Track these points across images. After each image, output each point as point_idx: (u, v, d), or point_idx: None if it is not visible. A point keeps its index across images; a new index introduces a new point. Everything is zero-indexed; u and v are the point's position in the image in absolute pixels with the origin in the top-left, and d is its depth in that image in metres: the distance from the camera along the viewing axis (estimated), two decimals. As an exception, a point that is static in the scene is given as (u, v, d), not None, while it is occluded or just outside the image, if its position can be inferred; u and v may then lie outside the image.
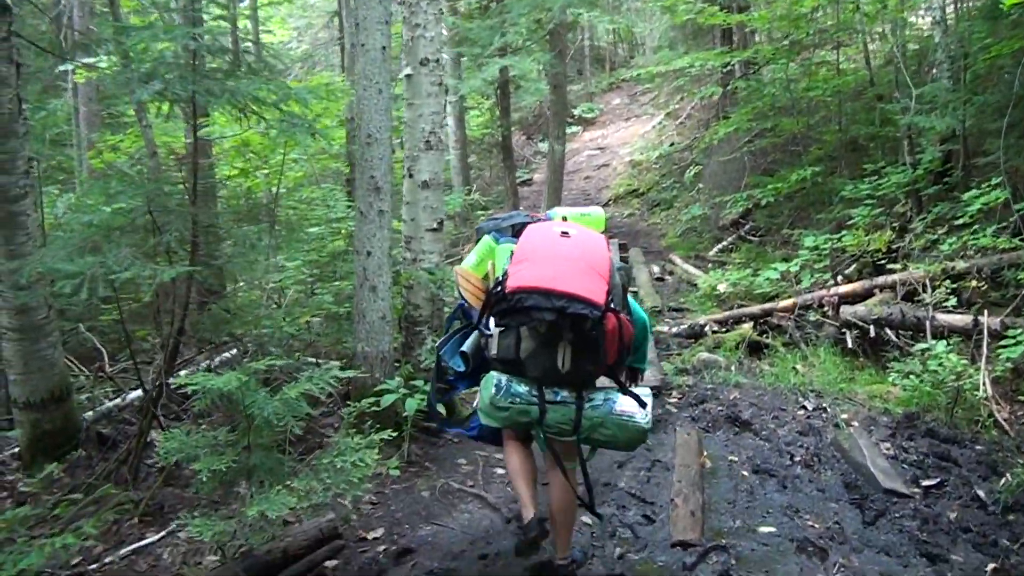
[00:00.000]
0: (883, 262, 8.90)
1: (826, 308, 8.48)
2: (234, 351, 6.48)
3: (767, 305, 9.09)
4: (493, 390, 3.42)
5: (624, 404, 3.43)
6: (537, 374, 3.38)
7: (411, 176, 6.24)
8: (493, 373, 3.49)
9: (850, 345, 7.82)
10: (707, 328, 9.22)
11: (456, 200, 16.62)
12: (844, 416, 6.39)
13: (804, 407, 6.64)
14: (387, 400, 5.25)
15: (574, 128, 27.90)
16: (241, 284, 8.20)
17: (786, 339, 8.80)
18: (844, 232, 9.48)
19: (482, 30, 15.53)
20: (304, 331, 6.55)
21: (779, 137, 13.39)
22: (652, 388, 7.00)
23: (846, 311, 7.86)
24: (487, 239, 3.91)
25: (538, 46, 17.20)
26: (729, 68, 16.68)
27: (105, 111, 11.82)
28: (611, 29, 33.21)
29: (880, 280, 8.20)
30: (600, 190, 23.28)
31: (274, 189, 10.23)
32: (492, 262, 3.88)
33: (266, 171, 10.44)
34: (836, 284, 9.07)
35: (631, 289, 11.70)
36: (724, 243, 14.82)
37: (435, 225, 6.27)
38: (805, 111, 12.89)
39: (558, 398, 3.41)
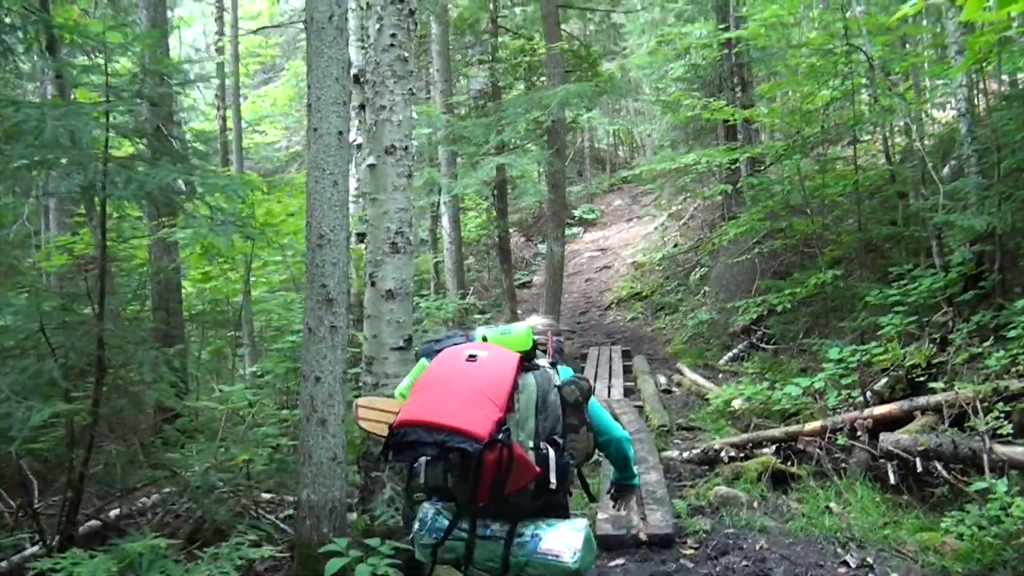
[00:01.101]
0: (921, 379, 7.87)
1: (859, 433, 7.42)
2: (161, 493, 5.41)
3: (791, 428, 8.02)
4: (416, 525, 3.23)
5: (551, 541, 3.12)
6: (462, 503, 3.17)
7: (373, 284, 5.28)
8: (425, 505, 3.28)
9: (892, 481, 6.72)
10: (723, 454, 8.15)
11: (449, 305, 15.70)
12: None
13: (846, 563, 5.52)
14: (332, 568, 4.17)
15: (575, 230, 27.32)
16: (206, 401, 7.25)
17: (813, 466, 7.73)
18: (873, 344, 8.47)
19: (477, 128, 14.89)
20: (240, 473, 5.48)
21: (792, 238, 12.53)
22: (663, 535, 5.97)
23: (887, 440, 6.76)
24: (423, 361, 3.57)
25: (536, 145, 16.57)
26: (735, 166, 16.04)
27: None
28: (611, 131, 33.09)
29: (921, 401, 7.15)
30: (602, 293, 22.49)
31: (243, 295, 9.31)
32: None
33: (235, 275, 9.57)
34: (868, 404, 8.02)
35: (634, 404, 10.76)
36: (735, 351, 13.84)
37: (401, 343, 5.28)
38: (819, 210, 12.07)
39: (487, 532, 3.16)
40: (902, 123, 11.19)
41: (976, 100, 10.35)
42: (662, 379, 12.82)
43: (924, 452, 6.45)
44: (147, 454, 5.71)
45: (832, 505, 6.60)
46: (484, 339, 3.50)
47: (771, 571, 5.35)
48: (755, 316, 10.90)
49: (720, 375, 12.89)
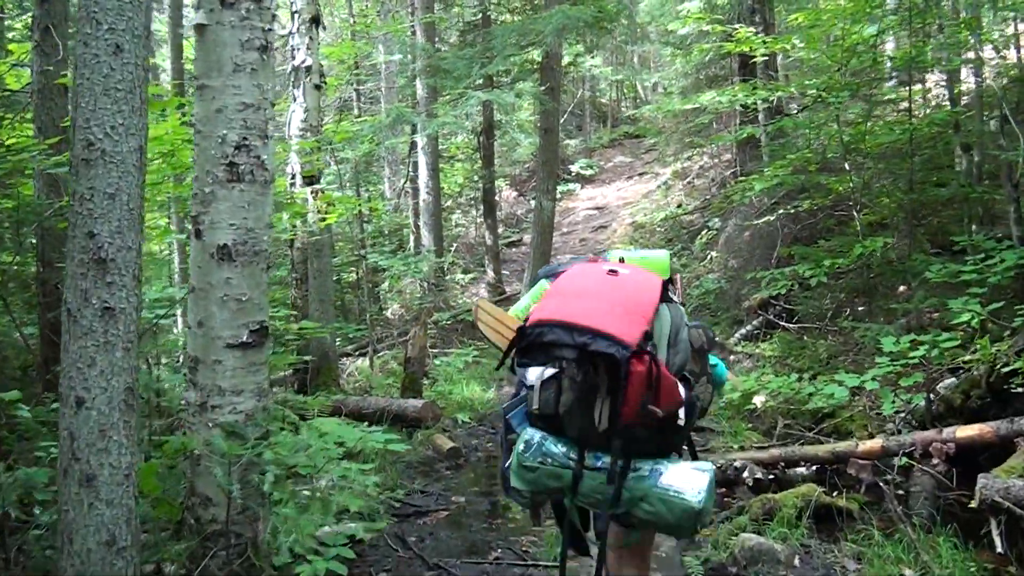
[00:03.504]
0: (1008, 386, 5.88)
1: (935, 460, 5.47)
2: None
3: (840, 446, 6.05)
4: (522, 446, 3.02)
5: (673, 476, 2.90)
6: (574, 433, 2.99)
7: (199, 235, 3.27)
8: (529, 429, 3.07)
9: (998, 547, 4.69)
10: (747, 474, 6.21)
11: (423, 263, 13.69)
12: None
13: None
14: None
15: (571, 186, 25.31)
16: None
17: (863, 494, 5.82)
18: (944, 334, 6.47)
19: (460, 60, 12.75)
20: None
21: (824, 198, 10.48)
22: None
23: (990, 487, 4.66)
24: (543, 283, 3.44)
25: (528, 83, 14.46)
26: (752, 117, 13.93)
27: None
28: (614, 83, 30.94)
29: (1029, 422, 5.18)
30: (597, 255, 20.48)
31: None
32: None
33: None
34: (936, 416, 6.08)
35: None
36: (748, 328, 11.85)
37: (246, 336, 3.29)
38: (859, 166, 10.03)
39: (599, 463, 2.95)
40: (971, 61, 9.08)
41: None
42: (665, 361, 10.88)
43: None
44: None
45: (908, 573, 4.66)
46: (621, 260, 3.37)
47: None
48: (782, 289, 8.95)
49: (731, 357, 10.95)
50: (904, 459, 5.74)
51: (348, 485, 5.10)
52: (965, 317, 6.23)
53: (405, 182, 17.86)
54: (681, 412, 2.96)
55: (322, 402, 8.22)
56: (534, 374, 3.09)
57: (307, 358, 9.24)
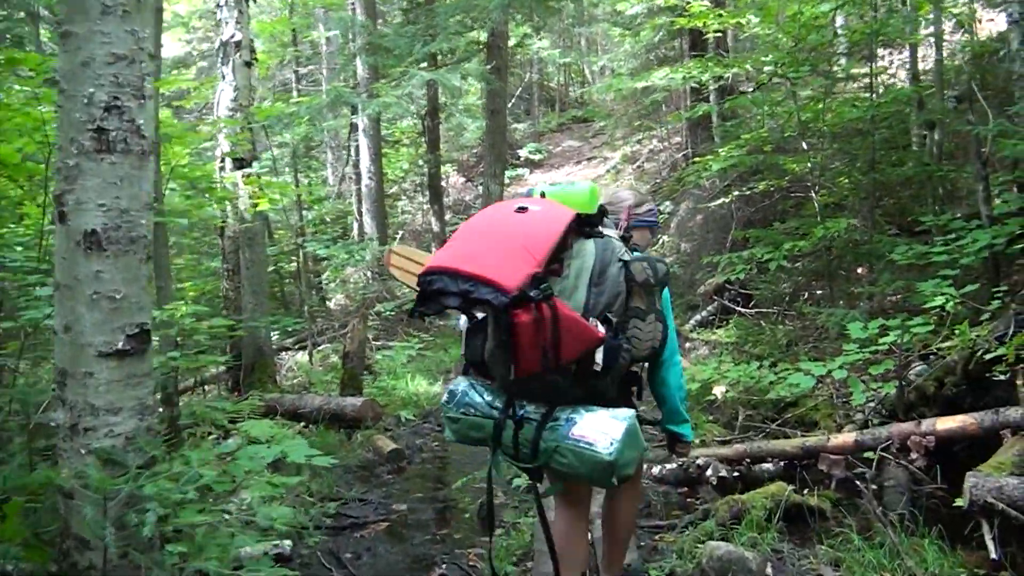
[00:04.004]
0: (990, 373, 5.51)
1: (913, 454, 5.09)
2: None
3: (810, 441, 5.65)
4: (446, 396, 3.13)
5: (585, 426, 2.82)
6: (497, 377, 3.00)
7: (63, 219, 2.70)
8: (459, 377, 3.17)
9: (992, 552, 4.28)
10: (710, 472, 5.79)
11: (364, 251, 13.09)
12: None
13: None
14: None
15: (520, 171, 24.80)
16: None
17: (834, 491, 5.44)
18: (917, 319, 6.08)
19: (399, 37, 12.16)
20: None
21: (782, 179, 10.12)
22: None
23: (981, 486, 4.26)
24: None
25: (475, 63, 13.90)
26: (702, 98, 13.55)
27: None
28: (561, 66, 30.47)
29: (1012, 414, 4.79)
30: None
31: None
32: None
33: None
34: (909, 406, 5.72)
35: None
36: (703, 313, 11.50)
37: (122, 342, 2.73)
38: (816, 146, 9.67)
39: (521, 413, 2.92)
40: (932, 35, 8.74)
41: None
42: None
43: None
44: None
45: (891, 579, 4.26)
46: (542, 195, 3.22)
47: None
48: (740, 274, 8.56)
49: (687, 343, 10.58)
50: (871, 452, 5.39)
51: (274, 497, 4.56)
52: (938, 301, 5.85)
53: (345, 165, 17.19)
54: (598, 356, 2.84)
55: (253, 404, 7.65)
56: (464, 320, 3.09)
57: (224, 359, 8.64)
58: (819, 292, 10.06)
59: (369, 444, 7.06)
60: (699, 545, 4.68)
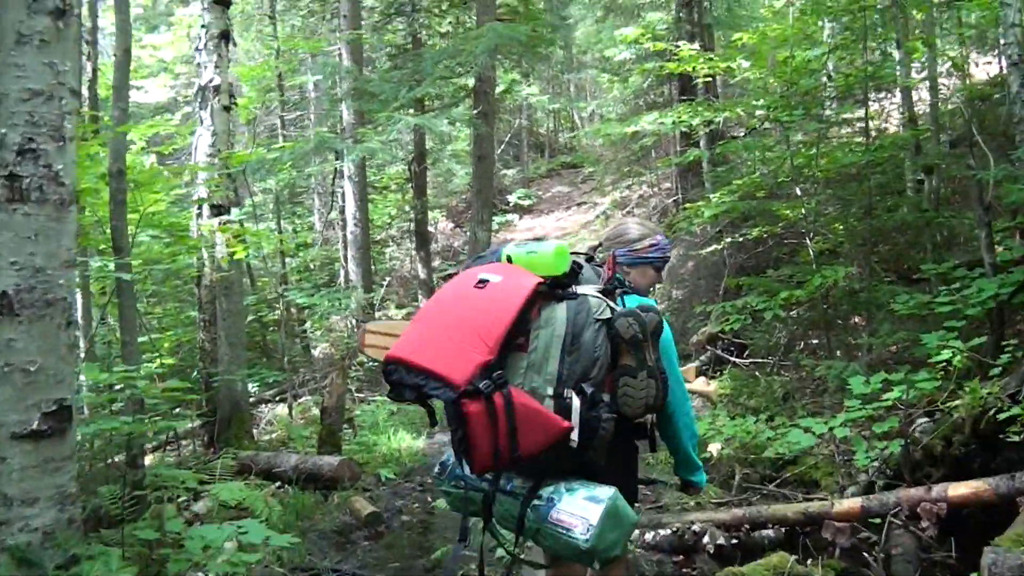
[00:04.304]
0: (1004, 434, 5.18)
1: (924, 524, 4.75)
2: None
3: (813, 507, 5.30)
4: (438, 469, 3.06)
5: (563, 511, 2.70)
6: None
7: None
8: (449, 451, 2.97)
9: None
10: (707, 540, 5.43)
11: (348, 299, 12.76)
12: None
13: None
14: None
15: (509, 216, 24.60)
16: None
17: (840, 561, 5.09)
18: (921, 373, 5.76)
19: (385, 83, 11.96)
20: None
21: (775, 226, 9.87)
22: None
23: (1000, 563, 3.94)
24: None
25: (462, 108, 13.73)
26: (692, 143, 13.37)
27: None
28: (551, 112, 30.49)
29: (1032, 478, 4.47)
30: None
31: None
32: None
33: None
34: (915, 467, 5.39)
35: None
36: (696, 363, 11.18)
37: (37, 421, 2.39)
38: (810, 191, 9.46)
39: (509, 487, 2.83)
40: (925, 78, 8.56)
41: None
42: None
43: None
44: None
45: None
46: (508, 259, 3.01)
47: None
48: (736, 325, 8.27)
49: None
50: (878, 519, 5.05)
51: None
52: (945, 355, 5.55)
53: (330, 212, 16.93)
54: (573, 434, 2.69)
55: (226, 463, 7.28)
56: None
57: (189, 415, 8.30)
58: (815, 342, 9.77)
59: (346, 506, 6.68)
60: (697, 626, 4.32)
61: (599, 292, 2.97)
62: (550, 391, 2.71)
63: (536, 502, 2.76)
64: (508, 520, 2.85)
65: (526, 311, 2.76)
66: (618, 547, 2.78)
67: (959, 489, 4.67)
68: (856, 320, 9.66)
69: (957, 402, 5.27)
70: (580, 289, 2.95)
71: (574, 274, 2.99)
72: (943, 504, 4.64)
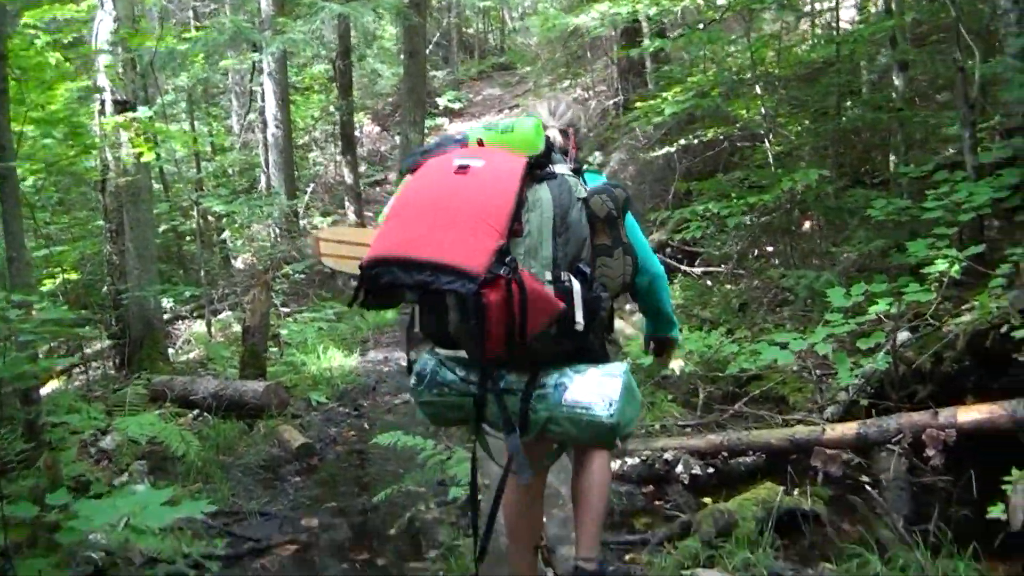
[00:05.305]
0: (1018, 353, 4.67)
1: (930, 453, 4.27)
2: None
3: (800, 433, 4.80)
4: (415, 379, 2.83)
5: (578, 390, 2.64)
6: (468, 353, 2.68)
7: None
8: (423, 356, 2.85)
9: None
10: (681, 469, 4.91)
11: (271, 206, 11.84)
12: None
13: None
14: None
15: (439, 120, 23.65)
16: None
17: (828, 488, 4.64)
18: (911, 282, 5.23)
19: (306, -32, 10.87)
20: None
21: (732, 127, 9.23)
22: None
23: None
24: (407, 178, 2.84)
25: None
26: (635, 41, 12.56)
27: None
28: (480, 11, 29.20)
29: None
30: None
31: None
32: None
33: None
34: (903, 384, 4.92)
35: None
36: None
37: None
38: (771, 88, 8.81)
39: (502, 385, 2.67)
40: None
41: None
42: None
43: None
44: None
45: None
46: (480, 142, 2.83)
47: None
48: (696, 232, 7.67)
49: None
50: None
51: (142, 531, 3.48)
52: (940, 264, 5.03)
53: (248, 112, 15.77)
54: (579, 315, 2.62)
55: (138, 391, 6.50)
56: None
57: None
58: (770, 250, 9.28)
59: (274, 437, 6.00)
60: (683, 572, 3.78)
61: (570, 171, 2.83)
62: (548, 276, 2.63)
63: (540, 391, 2.69)
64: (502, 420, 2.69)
65: (523, 192, 2.62)
66: (633, 425, 2.78)
67: (970, 414, 4.19)
68: (810, 226, 9.19)
69: (964, 317, 4.76)
70: (555, 168, 2.80)
71: (550, 152, 2.81)
72: (952, 431, 4.16)
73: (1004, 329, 4.32)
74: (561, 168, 2.82)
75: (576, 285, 2.65)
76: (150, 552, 3.96)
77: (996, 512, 3.61)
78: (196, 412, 6.51)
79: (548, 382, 2.70)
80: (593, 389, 2.64)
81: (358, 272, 2.59)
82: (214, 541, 4.10)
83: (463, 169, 2.64)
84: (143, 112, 8.23)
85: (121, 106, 8.29)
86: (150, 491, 2.95)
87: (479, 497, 3.05)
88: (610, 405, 2.60)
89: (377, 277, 2.50)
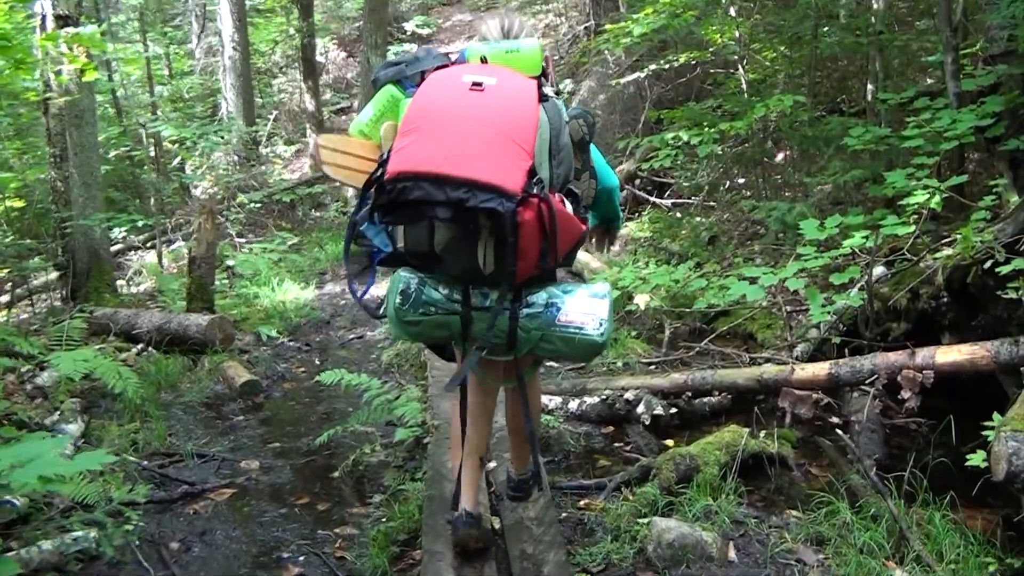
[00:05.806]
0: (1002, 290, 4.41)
1: (905, 393, 4.05)
2: None
3: (769, 372, 4.56)
4: (399, 299, 2.70)
5: (571, 310, 2.71)
6: (456, 272, 2.76)
7: None
8: (401, 273, 2.76)
9: None
10: (642, 410, 4.67)
11: (227, 134, 11.35)
12: None
13: None
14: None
15: (405, 46, 22.89)
16: None
17: (795, 430, 4.43)
18: (890, 215, 4.95)
19: None
20: None
21: (704, 52, 8.84)
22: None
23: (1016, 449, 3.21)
24: (389, 89, 2.94)
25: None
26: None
27: None
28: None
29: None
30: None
31: None
32: (396, 123, 2.80)
33: None
34: (877, 325, 4.69)
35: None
36: (612, 204, 10.35)
37: None
38: (746, 12, 8.43)
39: (487, 303, 2.72)
40: None
41: None
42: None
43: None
44: None
45: (897, 573, 3.21)
46: (483, 60, 2.83)
47: None
48: (666, 161, 7.34)
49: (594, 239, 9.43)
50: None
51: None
52: (919, 196, 4.76)
53: (202, 31, 15.10)
54: None
55: (78, 325, 6.14)
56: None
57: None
58: (741, 181, 9.00)
59: (218, 373, 5.70)
60: (640, 522, 3.55)
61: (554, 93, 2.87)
62: None
63: (530, 310, 2.72)
64: (493, 337, 2.72)
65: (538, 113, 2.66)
66: (610, 336, 2.85)
67: (949, 355, 3.96)
68: (784, 157, 8.91)
69: (943, 252, 4.51)
70: (546, 90, 2.83)
71: (544, 75, 2.86)
72: (930, 372, 3.92)
73: (988, 265, 4.06)
74: (549, 90, 2.86)
75: (569, 207, 2.69)
76: (73, 498, 3.69)
77: (976, 460, 3.39)
78: (140, 347, 6.18)
79: (537, 301, 2.74)
80: (584, 310, 2.70)
81: (359, 184, 2.65)
82: (137, 487, 3.78)
83: (478, 86, 2.62)
84: (88, 29, 7.72)
85: (63, 21, 7.78)
86: (43, 440, 2.64)
87: (426, 440, 2.89)
88: (600, 324, 2.69)
89: (404, 192, 2.48)
